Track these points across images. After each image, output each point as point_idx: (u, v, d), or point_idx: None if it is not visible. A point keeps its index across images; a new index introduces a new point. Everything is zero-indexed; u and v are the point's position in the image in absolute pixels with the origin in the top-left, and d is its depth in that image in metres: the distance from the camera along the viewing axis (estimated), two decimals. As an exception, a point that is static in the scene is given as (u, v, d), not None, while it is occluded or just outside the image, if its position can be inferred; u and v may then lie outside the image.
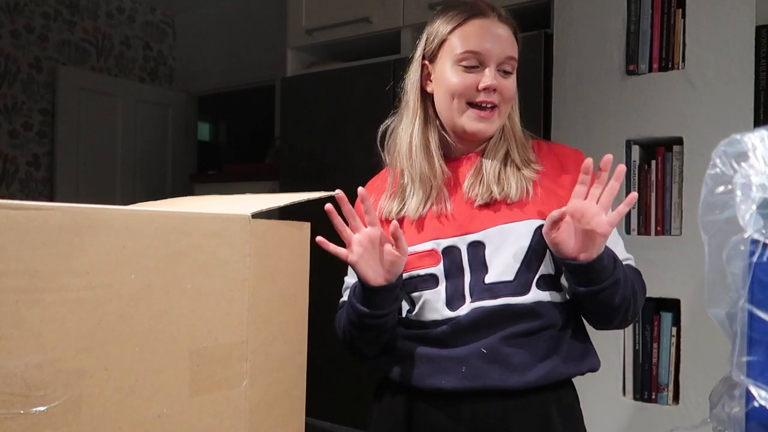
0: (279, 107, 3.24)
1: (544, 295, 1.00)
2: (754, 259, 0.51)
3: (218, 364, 0.59)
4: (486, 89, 1.02)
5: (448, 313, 1.00)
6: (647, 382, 1.78)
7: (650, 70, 1.79)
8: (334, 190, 0.79)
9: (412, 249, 1.02)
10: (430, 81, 1.09)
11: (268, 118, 3.70)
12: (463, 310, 0.99)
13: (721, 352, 0.56)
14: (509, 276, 0.99)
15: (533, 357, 0.98)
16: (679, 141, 1.75)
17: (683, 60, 1.74)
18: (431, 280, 1.02)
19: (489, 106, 1.03)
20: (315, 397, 1.10)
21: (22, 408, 0.46)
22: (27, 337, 0.46)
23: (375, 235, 0.98)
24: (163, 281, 0.55)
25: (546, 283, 1.01)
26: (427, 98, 1.10)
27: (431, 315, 1.02)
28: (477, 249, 1.01)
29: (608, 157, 0.91)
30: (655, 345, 1.78)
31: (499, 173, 1.04)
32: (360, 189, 0.98)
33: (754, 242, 0.51)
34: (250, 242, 0.62)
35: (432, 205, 1.05)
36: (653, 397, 1.77)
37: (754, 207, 0.51)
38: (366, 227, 0.98)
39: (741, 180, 0.52)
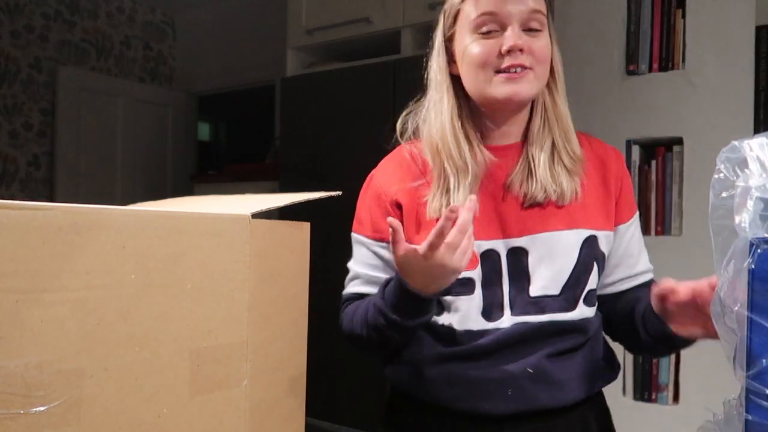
0: (279, 107, 3.24)
1: (590, 311, 0.94)
2: (753, 263, 0.51)
3: (218, 364, 0.59)
4: (511, 51, 0.87)
5: (486, 325, 0.91)
6: (647, 382, 1.78)
7: (650, 70, 1.79)
8: (334, 190, 0.79)
9: None
10: (455, 62, 0.96)
11: (268, 118, 3.71)
12: (504, 323, 0.90)
13: (721, 352, 0.56)
14: (555, 290, 0.91)
15: (576, 373, 0.92)
16: (679, 141, 1.75)
17: (683, 60, 1.75)
18: (468, 285, 0.91)
19: (516, 70, 0.89)
20: (315, 397, 1.09)
21: (22, 408, 0.46)
22: (27, 337, 0.46)
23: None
24: (163, 281, 0.55)
25: (591, 298, 0.94)
26: (456, 81, 0.97)
27: (466, 324, 0.91)
28: (519, 256, 0.92)
29: None
30: (655, 345, 1.78)
31: (550, 169, 0.92)
32: (391, 219, 0.81)
33: (752, 246, 0.51)
34: (250, 242, 0.62)
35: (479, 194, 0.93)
36: (653, 397, 1.77)
37: (752, 212, 0.51)
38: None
39: (741, 185, 0.52)
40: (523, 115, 0.97)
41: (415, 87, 1.05)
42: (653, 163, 1.80)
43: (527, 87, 0.90)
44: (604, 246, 0.94)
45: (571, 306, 0.91)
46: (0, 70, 3.39)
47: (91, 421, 0.50)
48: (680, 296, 0.79)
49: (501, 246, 0.92)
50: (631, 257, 0.99)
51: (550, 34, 0.93)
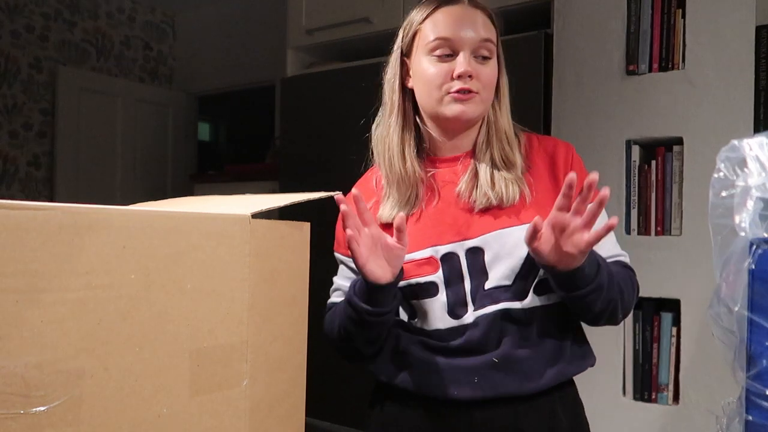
0: (279, 107, 3.24)
1: (542, 300, 1.00)
2: (753, 263, 0.51)
3: (218, 364, 0.59)
4: (460, 76, 0.98)
5: (451, 322, 0.99)
6: (647, 382, 1.78)
7: (650, 70, 1.79)
8: (334, 190, 0.79)
9: (409, 257, 1.00)
10: (410, 76, 1.07)
11: (268, 118, 3.70)
12: (467, 318, 0.99)
13: (721, 352, 0.56)
14: (508, 281, 0.98)
15: (542, 361, 0.98)
16: (679, 141, 1.75)
17: (683, 60, 1.74)
18: (431, 288, 1.01)
19: (466, 92, 0.99)
20: (315, 397, 1.10)
21: (22, 408, 0.46)
22: (27, 337, 0.46)
23: (376, 234, 0.94)
24: (163, 281, 0.55)
25: (543, 287, 1.00)
26: (407, 95, 1.07)
27: (434, 323, 1.01)
28: (476, 255, 1.00)
29: (594, 177, 0.83)
30: (655, 345, 1.78)
31: (491, 176, 1.02)
32: (354, 190, 0.94)
33: (752, 246, 0.51)
34: (250, 242, 0.62)
35: (413, 208, 1.03)
36: (653, 397, 1.77)
37: (752, 212, 0.51)
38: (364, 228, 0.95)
39: (741, 184, 0.52)
40: (473, 131, 1.07)
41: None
42: (653, 163, 1.80)
43: (473, 108, 1.01)
44: None
45: (522, 296, 0.99)
46: (0, 70, 3.39)
47: (91, 421, 0.50)
48: (537, 224, 0.88)
49: (459, 248, 1.00)
50: None
51: (498, 60, 1.04)
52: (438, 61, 1.00)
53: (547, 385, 0.98)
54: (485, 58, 1.01)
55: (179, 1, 4.00)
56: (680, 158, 1.75)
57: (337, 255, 1.13)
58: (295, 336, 0.71)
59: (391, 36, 1.14)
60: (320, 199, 0.72)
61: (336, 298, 1.13)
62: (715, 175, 0.55)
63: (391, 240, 0.93)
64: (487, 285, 0.99)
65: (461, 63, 0.98)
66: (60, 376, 0.48)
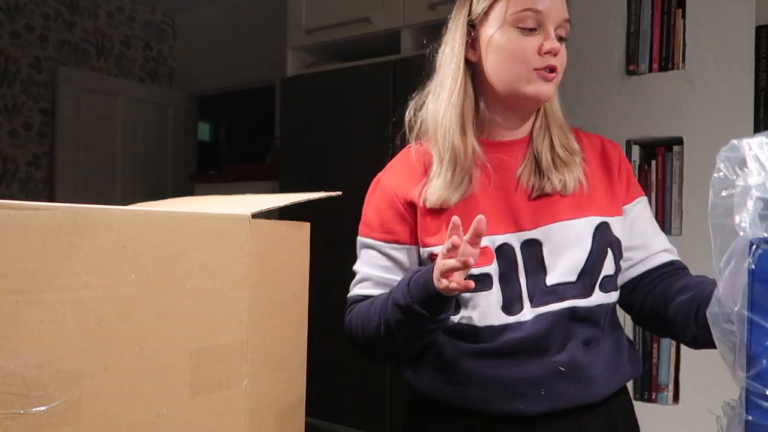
0: (279, 107, 3.24)
1: (607, 297, 0.94)
2: (753, 263, 0.51)
3: (218, 364, 0.59)
4: (549, 53, 0.91)
5: (507, 319, 0.91)
6: (647, 382, 1.78)
7: (650, 70, 1.79)
8: (334, 191, 0.79)
9: None
10: (474, 49, 0.97)
11: (268, 118, 3.71)
12: (525, 316, 0.90)
13: (722, 352, 0.56)
14: (572, 277, 0.91)
15: (605, 367, 0.92)
16: (679, 141, 1.75)
17: (683, 60, 1.74)
18: (486, 280, 0.91)
19: (551, 70, 0.93)
20: (315, 397, 1.09)
21: (22, 408, 0.46)
22: (27, 337, 0.46)
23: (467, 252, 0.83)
24: (163, 281, 0.55)
25: (607, 284, 0.94)
26: (468, 69, 0.97)
27: (487, 319, 0.91)
28: (533, 248, 0.93)
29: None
30: (655, 345, 1.78)
31: (553, 162, 0.95)
32: (454, 218, 0.79)
33: (752, 246, 0.51)
34: (250, 242, 0.62)
35: (464, 193, 0.94)
36: (653, 397, 1.77)
37: (752, 212, 0.51)
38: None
39: (741, 184, 0.52)
40: (531, 116, 1.00)
41: (415, 87, 1.05)
42: (653, 163, 1.80)
43: (551, 89, 0.94)
44: (618, 232, 0.95)
45: (588, 292, 0.92)
46: (0, 70, 3.39)
47: (91, 421, 0.50)
48: None
49: (515, 239, 0.93)
50: (646, 237, 0.99)
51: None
52: (522, 34, 0.92)
53: (611, 391, 0.92)
54: (561, 39, 0.94)
55: (179, 1, 4.00)
56: (680, 158, 1.75)
57: (366, 240, 1.00)
58: (295, 336, 0.71)
59: (392, 36, 1.12)
60: (320, 199, 0.72)
61: (363, 290, 0.99)
62: (715, 175, 0.55)
63: (471, 249, 0.83)
64: (549, 281, 0.91)
65: (552, 39, 0.92)
66: (60, 376, 0.48)
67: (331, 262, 1.13)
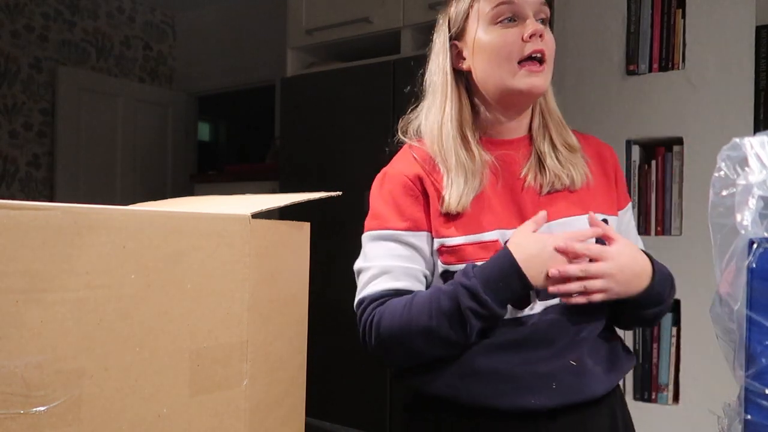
0: (279, 107, 3.24)
1: None
2: (753, 262, 0.51)
3: (218, 364, 0.59)
4: (533, 36, 0.92)
5: (516, 313, 0.92)
6: (647, 382, 1.78)
7: (650, 70, 1.79)
8: (334, 191, 0.79)
9: (475, 237, 0.93)
10: (463, 58, 1.00)
11: (268, 118, 3.71)
12: (534, 309, 0.92)
13: (723, 351, 0.56)
14: None
15: (608, 361, 0.95)
16: (679, 141, 1.75)
17: (683, 60, 1.75)
18: None
19: (539, 56, 0.94)
20: (315, 397, 1.09)
21: (22, 408, 0.46)
22: (27, 337, 0.46)
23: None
24: (163, 281, 0.55)
25: None
26: (460, 79, 1.01)
27: None
28: None
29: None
30: (655, 345, 1.78)
31: (558, 158, 0.98)
32: (542, 213, 0.91)
33: (752, 245, 0.51)
34: (250, 242, 0.62)
35: (477, 191, 0.95)
36: (653, 397, 1.77)
37: (753, 210, 0.51)
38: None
39: (742, 183, 0.52)
40: (527, 114, 1.02)
41: (415, 87, 1.06)
42: (653, 163, 1.80)
43: (543, 80, 0.95)
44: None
45: None
46: (0, 70, 3.39)
47: (91, 421, 0.50)
48: None
49: None
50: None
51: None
52: (502, 28, 0.94)
53: (612, 385, 0.95)
54: (543, 21, 0.96)
55: (179, 1, 4.00)
56: (680, 158, 1.75)
57: (380, 232, 0.97)
58: (295, 336, 0.71)
59: (392, 36, 1.13)
60: (320, 199, 0.72)
61: (386, 283, 0.95)
62: (716, 174, 0.55)
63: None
64: None
65: (531, 23, 0.93)
66: (60, 376, 0.48)
67: (331, 262, 1.13)
